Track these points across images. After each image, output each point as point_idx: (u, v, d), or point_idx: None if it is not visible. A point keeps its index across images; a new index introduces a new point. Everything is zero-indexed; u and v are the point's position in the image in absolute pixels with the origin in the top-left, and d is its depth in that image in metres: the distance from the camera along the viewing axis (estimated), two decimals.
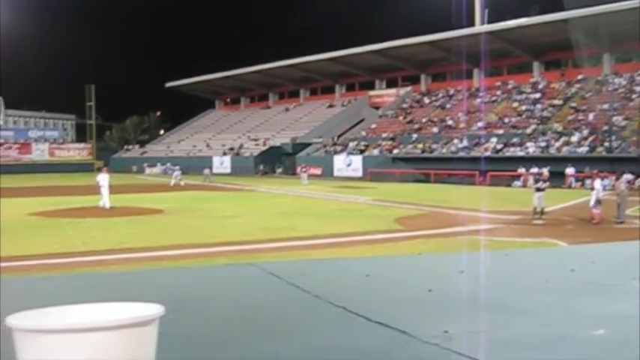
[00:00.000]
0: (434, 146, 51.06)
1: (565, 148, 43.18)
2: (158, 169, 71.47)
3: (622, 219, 19.94)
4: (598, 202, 20.33)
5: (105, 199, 24.89)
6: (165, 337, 2.77)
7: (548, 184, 23.18)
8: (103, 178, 25.30)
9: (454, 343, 4.60)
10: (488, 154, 45.70)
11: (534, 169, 41.01)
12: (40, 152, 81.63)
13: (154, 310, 2.68)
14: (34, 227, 18.38)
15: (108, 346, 2.47)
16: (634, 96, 46.90)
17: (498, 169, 43.46)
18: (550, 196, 22.32)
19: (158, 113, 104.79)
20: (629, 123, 42.92)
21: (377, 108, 67.79)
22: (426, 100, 63.12)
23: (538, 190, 21.85)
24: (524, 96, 54.63)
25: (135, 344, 2.55)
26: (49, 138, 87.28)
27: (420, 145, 52.01)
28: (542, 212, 21.36)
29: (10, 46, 68.45)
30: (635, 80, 49.37)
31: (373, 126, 62.17)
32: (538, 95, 53.75)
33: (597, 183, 21.69)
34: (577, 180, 39.87)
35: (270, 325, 5.35)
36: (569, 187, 38.92)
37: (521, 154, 44.53)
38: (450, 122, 54.89)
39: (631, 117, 43.73)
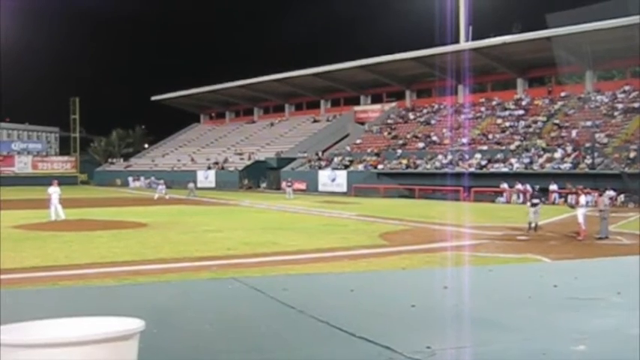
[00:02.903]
0: (418, 162, 51.23)
1: (548, 165, 43.50)
2: (142, 182, 71.20)
3: (605, 235, 20.08)
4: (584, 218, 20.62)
5: (52, 212, 25.31)
6: (148, 351, 2.75)
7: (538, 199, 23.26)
8: (55, 191, 25.51)
9: (437, 359, 4.60)
10: (472, 170, 45.97)
11: (519, 186, 41.39)
12: (23, 165, 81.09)
13: (135, 324, 2.67)
14: (17, 240, 18.20)
15: None
16: (616, 113, 47.43)
17: (482, 185, 43.71)
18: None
19: (143, 127, 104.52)
20: (611, 140, 43.39)
21: (362, 123, 68.00)
22: (411, 116, 63.39)
23: (534, 205, 22.11)
24: (508, 112, 55.04)
25: (115, 358, 2.53)
26: (32, 150, 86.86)
27: (405, 161, 52.17)
28: (536, 227, 21.65)
29: None
30: (617, 98, 49.95)
31: (358, 141, 62.31)
32: (522, 112, 54.19)
33: (582, 199, 21.91)
34: (560, 196, 40.16)
35: (253, 340, 5.32)
36: (553, 203, 39.20)
37: (504, 170, 44.80)
38: (434, 138, 55.13)
39: (613, 134, 44.23)
